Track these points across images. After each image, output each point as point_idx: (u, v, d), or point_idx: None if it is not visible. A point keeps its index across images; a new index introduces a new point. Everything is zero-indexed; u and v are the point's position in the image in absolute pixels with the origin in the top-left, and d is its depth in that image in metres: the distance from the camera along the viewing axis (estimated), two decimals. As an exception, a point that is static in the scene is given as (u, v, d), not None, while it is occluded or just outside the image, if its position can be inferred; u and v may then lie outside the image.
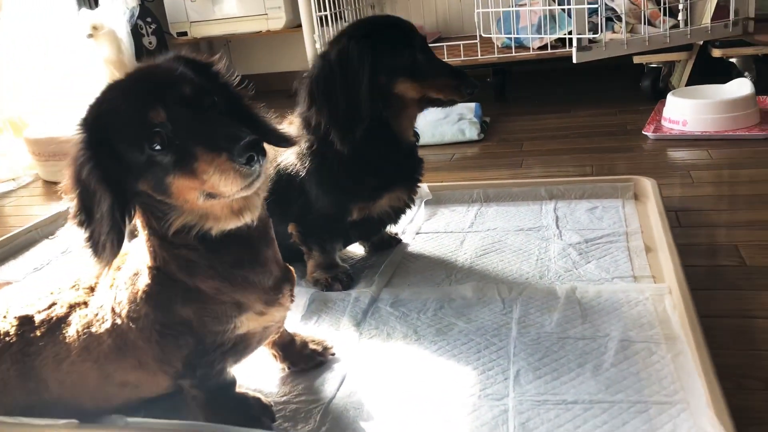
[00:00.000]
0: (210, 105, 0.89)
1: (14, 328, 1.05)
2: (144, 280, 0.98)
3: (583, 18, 2.49)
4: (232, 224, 0.93)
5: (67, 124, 2.81)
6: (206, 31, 3.70)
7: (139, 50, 3.50)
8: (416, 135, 1.50)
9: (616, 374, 1.07)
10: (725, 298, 1.29)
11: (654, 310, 1.23)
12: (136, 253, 1.02)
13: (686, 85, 2.74)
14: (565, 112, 2.86)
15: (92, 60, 3.23)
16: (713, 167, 2.00)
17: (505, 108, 3.02)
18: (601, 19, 2.57)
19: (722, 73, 2.74)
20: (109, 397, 1.05)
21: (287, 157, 1.42)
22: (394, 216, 1.50)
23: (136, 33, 3.48)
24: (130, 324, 0.98)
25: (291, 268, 1.08)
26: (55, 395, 1.04)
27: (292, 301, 1.07)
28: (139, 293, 0.98)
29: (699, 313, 1.14)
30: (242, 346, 1.04)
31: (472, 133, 2.58)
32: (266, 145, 0.94)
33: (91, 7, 3.49)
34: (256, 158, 0.81)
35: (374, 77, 1.34)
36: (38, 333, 1.04)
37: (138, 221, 0.97)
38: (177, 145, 0.84)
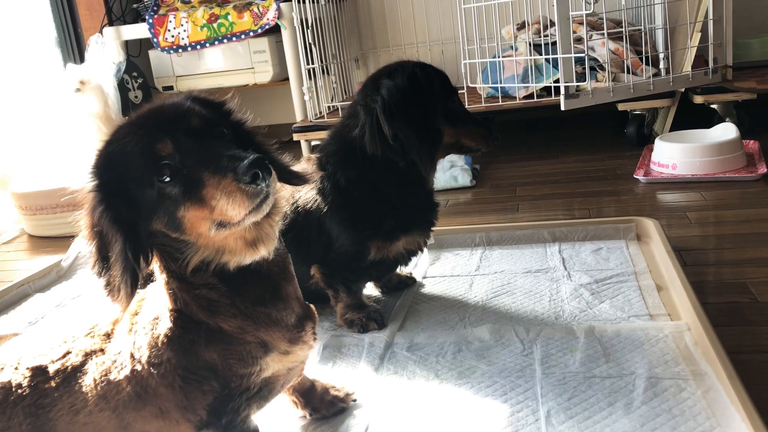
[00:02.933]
0: (218, 136, 0.89)
1: (27, 379, 1.00)
2: (165, 324, 0.95)
3: (570, 66, 2.55)
4: (249, 257, 0.91)
5: (53, 178, 2.77)
6: (192, 85, 3.71)
7: (126, 104, 3.49)
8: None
9: (648, 412, 1.05)
10: (743, 334, 1.28)
11: (676, 347, 1.22)
12: (154, 298, 0.99)
13: (669, 131, 2.81)
14: (553, 158, 2.90)
15: (79, 114, 3.21)
16: (708, 208, 2.03)
17: (493, 156, 3.05)
18: (587, 67, 2.63)
19: (703, 119, 2.82)
20: (128, 449, 1.00)
21: (305, 195, 1.41)
22: (407, 258, 1.50)
23: (122, 87, 3.48)
24: (152, 370, 0.95)
25: (312, 306, 1.06)
26: (70, 449, 0.99)
27: (315, 339, 1.04)
28: (161, 337, 0.95)
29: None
30: (267, 390, 1.00)
31: (464, 179, 2.60)
32: (282, 184, 0.94)
33: (77, 62, 3.49)
34: (261, 176, 0.81)
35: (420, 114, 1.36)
36: (53, 383, 0.99)
37: (155, 266, 0.95)
38: (185, 174, 0.84)
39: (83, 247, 2.16)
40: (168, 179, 0.84)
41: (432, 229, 1.51)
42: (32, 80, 3.25)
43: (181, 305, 0.94)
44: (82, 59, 3.59)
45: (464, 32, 2.92)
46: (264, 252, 0.93)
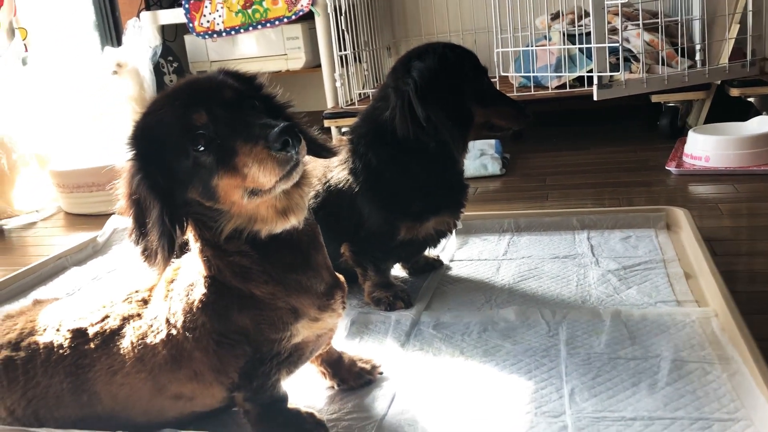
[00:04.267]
0: (250, 107, 0.91)
1: (68, 340, 1.04)
2: (200, 290, 0.98)
3: (604, 56, 2.53)
4: (279, 226, 0.94)
5: (89, 158, 2.84)
6: (226, 70, 3.76)
7: (161, 88, 3.54)
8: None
9: (672, 392, 1.06)
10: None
11: (702, 332, 1.22)
12: (189, 265, 1.02)
13: (703, 123, 2.78)
14: (584, 149, 2.89)
15: (115, 96, 3.27)
16: (741, 200, 2.01)
17: (524, 145, 3.05)
18: (621, 58, 2.61)
19: (739, 112, 2.78)
20: (162, 410, 1.04)
21: (337, 174, 1.44)
22: (437, 239, 1.52)
23: (158, 71, 3.54)
24: (187, 334, 0.98)
25: (341, 276, 1.09)
26: (108, 408, 1.03)
27: (344, 307, 1.07)
28: (196, 303, 0.98)
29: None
30: (297, 356, 1.03)
31: (494, 168, 2.60)
32: (315, 161, 0.96)
33: (115, 46, 3.56)
34: (291, 143, 0.83)
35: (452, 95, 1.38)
36: (92, 345, 1.03)
37: (190, 234, 0.98)
38: (219, 144, 0.86)
39: (119, 223, 2.22)
40: (202, 148, 0.87)
41: (462, 210, 1.52)
42: (71, 63, 3.32)
43: (215, 272, 0.97)
44: (119, 43, 3.66)
45: (498, 21, 2.92)
46: (294, 221, 0.95)
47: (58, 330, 1.06)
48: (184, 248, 1.04)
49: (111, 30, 3.81)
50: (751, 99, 2.75)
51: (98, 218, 2.59)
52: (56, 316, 1.09)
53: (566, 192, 2.30)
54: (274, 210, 0.93)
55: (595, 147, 2.91)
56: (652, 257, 1.59)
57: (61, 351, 1.04)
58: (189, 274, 1.01)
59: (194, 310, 0.98)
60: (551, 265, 1.63)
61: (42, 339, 1.06)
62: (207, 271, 0.98)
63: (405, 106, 1.38)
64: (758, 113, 2.70)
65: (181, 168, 0.89)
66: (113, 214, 2.36)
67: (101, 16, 3.78)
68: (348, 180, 1.43)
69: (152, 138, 0.91)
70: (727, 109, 2.84)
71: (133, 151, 0.91)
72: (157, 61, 3.53)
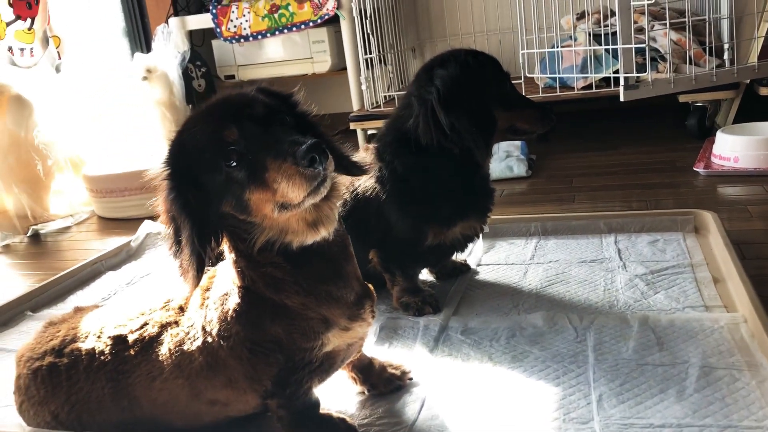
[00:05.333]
0: (281, 123, 0.94)
1: (109, 347, 1.08)
2: (234, 300, 1.01)
3: (630, 57, 2.52)
4: (310, 238, 0.96)
5: (121, 163, 2.90)
6: (253, 74, 3.80)
7: (189, 92, 3.61)
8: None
9: (700, 399, 1.06)
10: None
11: (731, 338, 1.23)
12: (224, 275, 1.06)
13: (732, 123, 2.75)
14: (611, 149, 2.88)
15: (145, 101, 3.34)
16: (771, 202, 1.99)
17: (550, 146, 3.05)
18: (647, 58, 2.60)
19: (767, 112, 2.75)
20: (199, 414, 1.07)
21: (364, 182, 1.46)
22: (464, 244, 1.53)
23: (186, 76, 3.59)
24: (221, 342, 1.01)
25: (370, 285, 1.11)
26: (147, 413, 1.07)
27: (373, 316, 1.09)
28: (230, 312, 1.01)
29: (781, 340, 1.13)
30: (328, 364, 1.06)
31: (520, 169, 2.60)
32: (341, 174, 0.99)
33: (144, 52, 3.62)
34: (318, 160, 0.85)
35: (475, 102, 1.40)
36: (132, 352, 1.07)
37: (225, 246, 1.01)
38: (250, 159, 0.89)
39: (152, 228, 2.27)
40: (234, 164, 0.90)
41: (488, 215, 1.53)
42: (103, 69, 3.39)
43: (248, 282, 1.00)
44: (148, 49, 3.73)
45: (523, 22, 2.92)
46: (324, 233, 0.98)
47: (99, 337, 1.10)
48: (219, 257, 1.07)
49: (140, 36, 3.89)
50: (781, 98, 2.72)
51: (131, 222, 2.65)
52: (97, 323, 1.13)
53: (593, 194, 2.30)
54: (305, 222, 0.96)
55: (622, 147, 2.90)
56: (680, 261, 1.59)
57: (102, 357, 1.08)
58: (224, 283, 1.04)
59: (229, 319, 1.01)
60: (578, 269, 1.64)
61: (84, 345, 1.10)
62: (241, 281, 1.01)
63: (428, 114, 1.40)
64: (789, 112, 2.67)
65: (214, 183, 0.93)
66: (146, 218, 2.42)
67: (131, 23, 3.85)
68: (375, 188, 1.46)
69: (186, 155, 0.94)
70: (757, 108, 2.81)
71: (168, 170, 0.95)
72: (186, 66, 3.59)
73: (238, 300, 1.00)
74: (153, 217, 2.50)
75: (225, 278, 1.05)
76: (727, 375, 1.12)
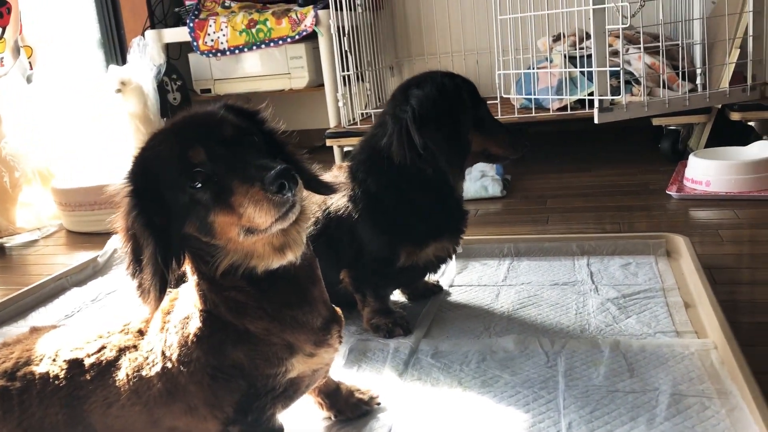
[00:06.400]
0: (249, 145, 0.91)
1: (64, 371, 1.04)
2: (195, 324, 0.98)
3: (605, 80, 2.54)
4: (276, 262, 0.94)
5: (92, 176, 2.85)
6: (229, 88, 3.78)
7: (164, 106, 3.56)
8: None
9: (670, 428, 1.05)
10: (771, 355, 1.27)
11: (702, 365, 1.22)
12: (185, 297, 1.02)
13: (704, 147, 2.78)
14: (585, 171, 2.89)
15: (119, 114, 3.29)
16: (741, 227, 2.01)
17: (525, 167, 3.05)
18: (622, 81, 2.62)
19: (739, 136, 2.78)
20: (158, 443, 1.03)
21: (337, 201, 1.44)
22: (437, 265, 1.52)
23: (161, 89, 3.55)
24: (181, 368, 0.98)
25: (338, 309, 1.08)
26: (103, 441, 1.03)
27: (340, 342, 1.06)
28: (190, 337, 0.98)
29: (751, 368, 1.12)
30: (292, 391, 1.03)
31: (495, 189, 2.60)
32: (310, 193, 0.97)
33: (119, 64, 3.58)
34: (287, 186, 0.83)
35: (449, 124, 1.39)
36: (88, 376, 1.03)
37: (187, 267, 0.98)
38: (215, 182, 0.87)
39: (119, 245, 2.22)
40: (199, 185, 0.87)
41: (461, 236, 1.52)
42: (75, 80, 3.34)
43: (210, 306, 0.97)
44: (124, 61, 3.68)
45: (500, 43, 2.93)
46: (291, 257, 0.95)
47: (54, 360, 1.06)
48: (181, 279, 1.04)
49: (116, 48, 3.84)
50: (751, 123, 2.76)
51: (100, 237, 2.60)
52: (53, 345, 1.09)
53: (567, 215, 2.30)
54: (271, 247, 0.93)
55: (596, 169, 2.91)
56: (652, 285, 1.59)
57: (57, 382, 1.03)
58: (185, 306, 1.01)
59: (189, 343, 0.98)
60: (551, 292, 1.62)
61: (38, 369, 1.06)
62: (203, 304, 0.98)
63: (402, 133, 1.39)
64: (759, 137, 2.71)
65: (178, 203, 0.90)
66: (113, 233, 2.36)
67: (106, 35, 3.81)
68: (348, 206, 1.43)
69: (150, 174, 0.91)
70: (728, 133, 2.85)
71: (130, 187, 0.92)
72: (161, 79, 3.55)
73: (199, 324, 0.97)
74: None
75: (186, 301, 1.01)
76: (698, 403, 1.10)
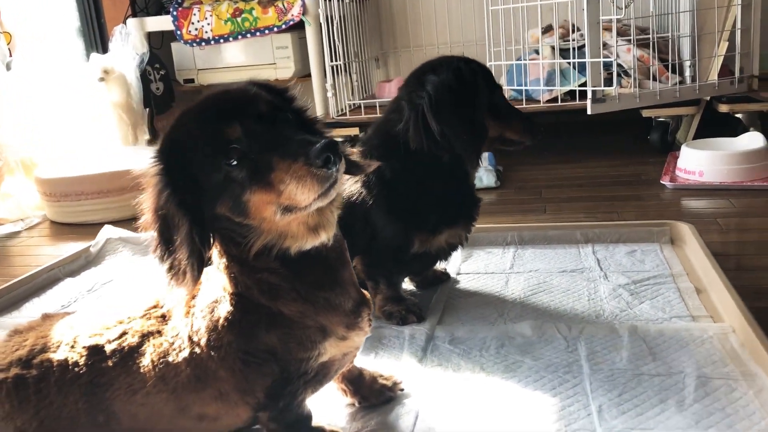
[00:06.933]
0: (284, 121, 0.89)
1: (83, 358, 1.00)
2: (225, 308, 0.95)
3: (598, 71, 2.55)
4: (310, 243, 0.92)
5: (77, 166, 2.78)
6: (214, 78, 3.71)
7: (147, 95, 3.49)
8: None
9: (701, 410, 1.05)
10: (786, 339, 1.28)
11: (722, 348, 1.22)
12: (211, 281, 0.99)
13: (692, 139, 2.81)
14: (576, 162, 2.90)
15: (102, 103, 3.21)
16: (739, 215, 2.03)
17: (516, 158, 3.05)
18: (614, 71, 2.64)
19: (726, 128, 2.81)
20: (185, 431, 1.00)
21: (350, 187, 1.42)
22: (448, 252, 1.51)
23: (144, 78, 3.48)
24: (211, 353, 0.95)
25: (366, 293, 1.06)
26: (126, 429, 1.00)
27: (370, 325, 1.04)
28: (221, 321, 0.95)
29: (774, 350, 1.13)
30: (322, 375, 1.01)
31: (489, 180, 2.60)
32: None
33: (100, 53, 3.49)
34: (332, 160, 0.81)
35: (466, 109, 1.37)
36: (110, 363, 1.00)
37: (215, 250, 0.95)
38: (253, 158, 0.84)
39: (112, 233, 2.17)
40: (235, 163, 0.85)
41: (473, 223, 1.51)
42: (56, 68, 3.25)
43: (241, 289, 0.94)
44: (104, 50, 3.60)
45: (490, 34, 2.93)
46: (324, 237, 0.93)
47: (72, 347, 1.02)
48: (206, 261, 1.01)
49: (96, 36, 3.75)
50: (739, 115, 2.79)
51: (86, 228, 2.54)
52: (69, 332, 1.05)
53: (563, 205, 2.31)
54: (306, 227, 0.90)
55: (586, 161, 2.93)
56: (661, 272, 1.60)
57: (76, 369, 1.00)
58: (212, 290, 0.98)
59: (219, 328, 0.95)
60: (560, 278, 1.62)
61: (55, 356, 1.02)
62: (233, 287, 0.95)
63: (419, 119, 1.37)
64: (746, 130, 2.74)
65: (210, 182, 0.87)
66: (105, 223, 2.31)
67: (86, 23, 3.71)
68: (361, 192, 1.41)
69: (181, 151, 0.88)
70: (715, 125, 2.88)
71: (161, 165, 0.88)
72: (144, 68, 3.48)
73: (230, 308, 0.94)
74: (114, 222, 2.40)
75: (213, 285, 0.98)
76: (724, 385, 1.11)
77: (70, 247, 2.25)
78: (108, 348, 1.00)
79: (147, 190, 0.90)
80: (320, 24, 3.15)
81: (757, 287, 1.51)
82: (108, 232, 2.18)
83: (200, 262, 0.87)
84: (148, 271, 1.87)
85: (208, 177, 0.87)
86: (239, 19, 3.47)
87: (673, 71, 2.83)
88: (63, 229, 2.67)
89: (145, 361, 0.98)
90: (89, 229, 2.48)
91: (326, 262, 0.96)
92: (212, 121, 0.87)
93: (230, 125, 0.85)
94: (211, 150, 0.86)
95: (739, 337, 1.25)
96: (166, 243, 0.88)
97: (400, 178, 1.40)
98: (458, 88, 1.39)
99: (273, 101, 0.90)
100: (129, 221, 2.52)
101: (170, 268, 0.88)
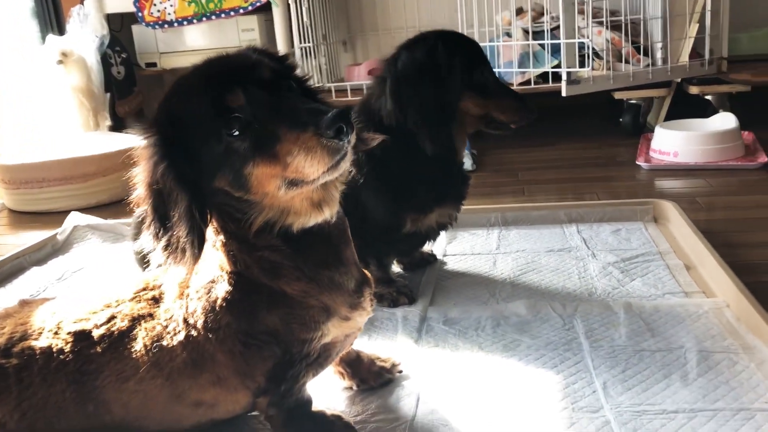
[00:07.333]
0: (288, 88, 0.84)
1: (69, 344, 0.94)
2: (223, 287, 0.90)
3: (573, 52, 2.55)
4: (313, 219, 0.88)
5: (37, 152, 2.66)
6: (176, 62, 3.60)
7: (108, 79, 3.37)
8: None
9: (706, 384, 1.04)
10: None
11: (719, 323, 1.22)
12: (206, 259, 0.94)
13: (663, 121, 2.83)
14: (550, 145, 2.90)
15: (61, 87, 3.09)
16: (717, 194, 2.05)
17: (490, 141, 3.03)
18: (588, 54, 2.64)
19: (696, 110, 2.84)
20: (179, 418, 0.96)
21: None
22: (437, 232, 1.48)
23: (105, 62, 3.35)
24: (209, 335, 0.90)
25: (368, 272, 1.03)
26: (118, 419, 0.94)
27: (372, 305, 1.00)
28: (219, 301, 0.90)
29: (772, 322, 1.13)
30: (324, 357, 0.97)
31: (466, 163, 2.57)
32: None
33: (57, 34, 3.35)
34: (345, 130, 0.76)
35: (432, 88, 1.32)
36: (98, 349, 0.94)
37: (211, 226, 0.90)
38: (257, 128, 0.79)
39: (79, 220, 2.08)
40: (237, 133, 0.80)
41: (463, 202, 1.48)
42: (11, 52, 3.11)
43: (241, 267, 0.90)
44: (61, 31, 3.46)
45: (463, 16, 2.90)
46: (328, 214, 0.89)
47: (56, 333, 0.96)
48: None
49: (51, 18, 3.59)
50: (708, 97, 2.82)
51: (49, 216, 2.43)
52: (52, 317, 0.98)
53: (542, 187, 2.30)
54: (310, 202, 0.86)
55: (560, 143, 2.93)
56: (648, 249, 1.59)
57: (62, 356, 0.94)
58: (207, 269, 0.93)
59: (217, 309, 0.90)
60: (548, 258, 1.61)
61: (38, 343, 0.95)
62: (232, 266, 0.90)
63: (387, 96, 1.34)
64: (716, 111, 2.78)
65: (210, 154, 0.82)
66: (71, 210, 2.21)
67: (41, 3, 3.56)
68: (350, 171, 1.36)
69: (178, 121, 0.83)
70: (685, 106, 2.91)
71: (156, 136, 0.83)
72: (104, 51, 3.35)
73: (228, 287, 0.89)
74: (79, 209, 2.31)
75: (209, 263, 0.93)
76: (726, 359, 1.10)
77: (32, 236, 2.14)
78: (96, 333, 0.95)
79: (140, 162, 0.84)
80: (288, 5, 3.08)
81: (745, 262, 1.51)
82: (75, 219, 2.09)
83: (201, 238, 0.82)
84: (120, 257, 1.79)
85: (207, 148, 0.82)
86: (203, 1, 3.37)
87: (645, 53, 2.84)
88: (23, 218, 2.55)
89: (137, 346, 0.93)
90: (52, 217, 2.38)
91: (329, 239, 0.92)
92: (212, 88, 0.81)
93: (232, 92, 0.80)
94: (212, 119, 0.80)
95: (734, 311, 1.25)
96: (162, 219, 0.83)
97: (389, 156, 1.36)
98: (429, 65, 1.34)
99: (276, 67, 0.85)
100: (94, 208, 2.43)
101: (167, 246, 0.83)
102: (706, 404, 0.99)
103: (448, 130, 1.34)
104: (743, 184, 2.13)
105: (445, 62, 1.36)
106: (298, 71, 0.93)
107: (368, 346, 1.25)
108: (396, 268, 1.61)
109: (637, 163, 2.42)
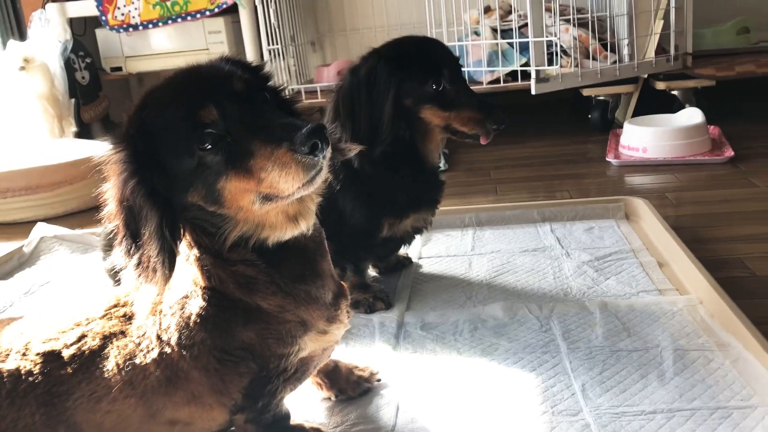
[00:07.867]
0: (263, 101, 0.83)
1: (38, 365, 0.91)
2: (197, 303, 0.88)
3: (542, 50, 2.56)
4: (289, 233, 0.86)
5: (1, 160, 2.60)
6: (142, 66, 3.55)
7: (72, 85, 3.30)
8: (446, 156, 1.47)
9: (682, 383, 1.05)
10: (747, 308, 1.29)
11: (693, 320, 1.23)
12: (180, 275, 0.92)
13: (631, 117, 2.86)
14: (520, 143, 2.91)
15: (23, 94, 3.02)
16: (685, 189, 2.07)
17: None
18: (556, 51, 2.65)
19: (662, 105, 2.87)
20: (155, 438, 0.93)
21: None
22: (412, 236, 1.47)
23: (68, 67, 3.29)
24: (183, 352, 0.88)
25: (344, 283, 1.01)
26: (91, 440, 0.91)
27: (349, 317, 0.99)
28: (193, 317, 0.88)
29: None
30: (302, 371, 0.96)
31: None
32: None
33: (17, 40, 3.27)
34: (320, 146, 0.75)
35: (400, 99, 1.32)
36: (69, 369, 0.91)
37: (184, 241, 0.88)
38: (230, 143, 0.78)
39: (46, 231, 2.03)
40: (210, 147, 0.78)
41: (437, 206, 1.47)
42: (-30, 57, 3.03)
43: (215, 283, 0.88)
44: (22, 37, 3.38)
45: (431, 15, 2.89)
46: (304, 227, 0.88)
47: (24, 354, 0.93)
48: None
49: (12, 22, 3.52)
50: (675, 92, 2.86)
51: (13, 227, 2.38)
52: (18, 338, 0.95)
53: (514, 185, 2.31)
54: (285, 216, 0.85)
55: (530, 141, 2.94)
56: (621, 247, 1.61)
57: (30, 378, 0.91)
58: (180, 285, 0.91)
59: (192, 325, 0.88)
60: (523, 258, 1.61)
61: (5, 366, 0.92)
62: (206, 281, 0.88)
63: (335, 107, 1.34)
64: (682, 106, 2.81)
65: (182, 168, 0.80)
66: (35, 222, 2.16)
67: (0, 8, 3.48)
68: (328, 177, 1.35)
69: (149, 135, 0.81)
70: (651, 102, 2.94)
71: (126, 151, 0.80)
72: (68, 56, 3.28)
73: (202, 303, 0.88)
74: (46, 219, 2.25)
75: (182, 278, 0.91)
76: (701, 357, 1.11)
77: (11, 245, 2.09)
78: (66, 353, 0.92)
79: (110, 178, 0.82)
80: (255, 6, 3.05)
81: (716, 258, 1.53)
82: (42, 230, 2.05)
83: (171, 257, 0.80)
84: (90, 269, 1.75)
85: (179, 162, 0.80)
86: (169, 3, 3.32)
87: (612, 50, 2.87)
88: (-7, 228, 2.49)
89: (109, 365, 0.90)
90: (17, 228, 2.33)
91: (305, 252, 0.91)
92: (184, 103, 0.79)
93: (204, 107, 0.78)
94: (184, 134, 0.79)
95: (707, 308, 1.26)
96: (133, 237, 0.81)
97: (367, 162, 1.35)
98: (379, 78, 1.31)
99: (249, 79, 0.83)
100: (61, 218, 2.38)
101: (138, 265, 0.81)
102: (683, 404, 1.00)
103: (385, 149, 1.31)
104: (711, 178, 2.16)
105: (381, 83, 1.32)
106: (272, 81, 0.91)
107: (346, 353, 1.24)
108: (371, 272, 1.60)
109: (607, 159, 2.44)
